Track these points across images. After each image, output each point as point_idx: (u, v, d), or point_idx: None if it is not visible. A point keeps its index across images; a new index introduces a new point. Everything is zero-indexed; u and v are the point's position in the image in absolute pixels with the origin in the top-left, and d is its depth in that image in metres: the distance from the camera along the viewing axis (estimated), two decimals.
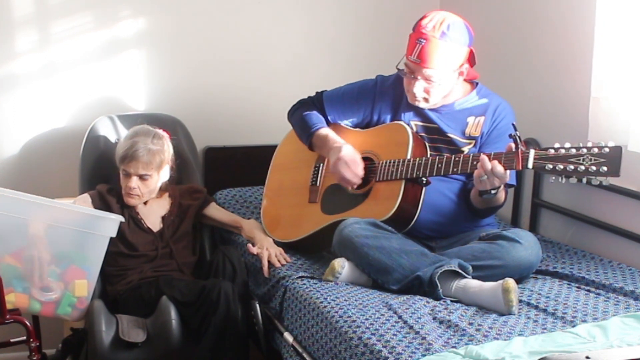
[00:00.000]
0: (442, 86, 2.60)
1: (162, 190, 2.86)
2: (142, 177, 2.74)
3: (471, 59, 2.64)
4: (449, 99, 2.68)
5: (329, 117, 2.84)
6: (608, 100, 2.65)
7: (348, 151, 2.65)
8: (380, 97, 2.78)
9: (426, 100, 2.64)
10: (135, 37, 3.28)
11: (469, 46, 2.59)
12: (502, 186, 2.45)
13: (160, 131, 2.85)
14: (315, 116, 2.83)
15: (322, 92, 2.91)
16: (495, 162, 2.35)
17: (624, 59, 2.59)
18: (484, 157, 2.37)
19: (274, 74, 3.48)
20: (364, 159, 2.70)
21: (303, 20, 3.51)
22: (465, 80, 2.70)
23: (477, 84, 2.75)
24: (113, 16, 3.24)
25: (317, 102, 2.88)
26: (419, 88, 2.60)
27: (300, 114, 2.88)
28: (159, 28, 3.31)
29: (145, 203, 2.85)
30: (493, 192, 2.43)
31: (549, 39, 3.01)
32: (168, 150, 2.83)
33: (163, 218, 2.85)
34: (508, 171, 2.36)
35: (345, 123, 2.82)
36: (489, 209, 2.64)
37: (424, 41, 2.52)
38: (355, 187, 2.67)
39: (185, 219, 2.88)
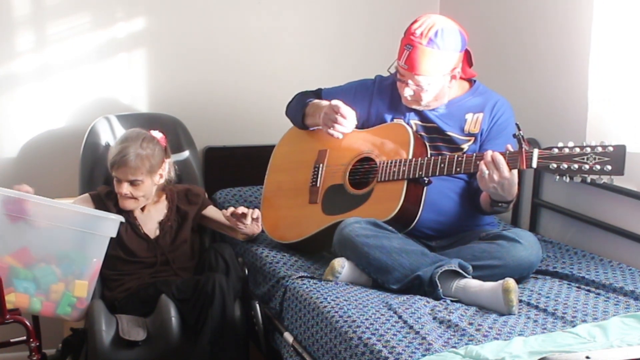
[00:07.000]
0: (432, 90, 2.60)
1: (160, 192, 2.82)
2: (132, 183, 2.68)
3: (467, 60, 2.64)
4: (445, 98, 2.68)
5: None
6: (606, 102, 2.65)
7: (337, 102, 2.69)
8: (378, 96, 2.79)
9: (417, 103, 2.64)
10: (135, 37, 3.28)
11: (461, 51, 2.59)
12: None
13: (154, 133, 2.78)
14: (308, 99, 2.87)
15: (320, 89, 2.92)
16: (491, 151, 2.34)
17: (621, 61, 2.59)
18: (485, 153, 2.36)
19: (274, 74, 3.48)
20: (365, 159, 2.70)
21: (303, 20, 3.51)
22: (463, 78, 2.70)
23: (474, 81, 2.75)
24: (113, 16, 3.24)
25: (315, 96, 2.89)
26: (409, 92, 2.61)
27: (295, 101, 2.92)
28: (159, 28, 3.31)
29: (142, 210, 2.80)
30: (504, 205, 2.48)
31: (548, 40, 3.01)
32: (160, 153, 2.74)
33: (160, 224, 2.81)
34: (514, 172, 2.36)
35: None
36: (494, 212, 2.64)
37: (411, 48, 2.53)
38: (347, 131, 2.70)
39: (184, 225, 2.83)
